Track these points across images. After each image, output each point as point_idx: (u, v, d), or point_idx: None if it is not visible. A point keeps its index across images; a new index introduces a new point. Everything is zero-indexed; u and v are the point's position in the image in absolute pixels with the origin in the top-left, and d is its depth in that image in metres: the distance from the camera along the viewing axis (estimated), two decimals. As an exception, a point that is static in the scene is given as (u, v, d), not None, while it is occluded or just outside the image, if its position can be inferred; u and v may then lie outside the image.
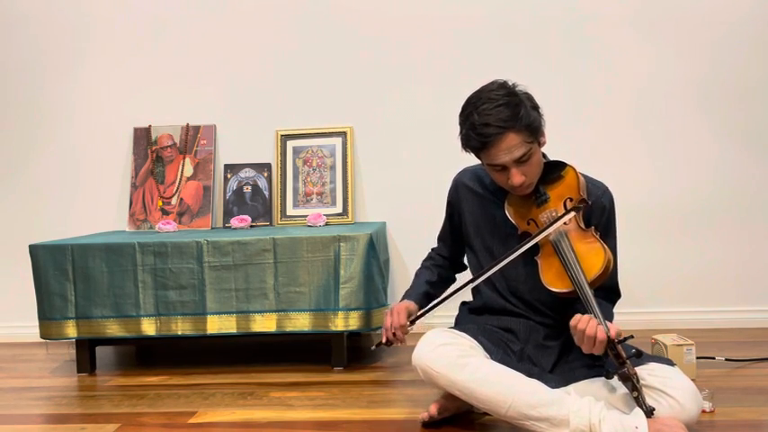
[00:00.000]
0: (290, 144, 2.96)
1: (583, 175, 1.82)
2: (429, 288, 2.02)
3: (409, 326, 1.88)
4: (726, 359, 2.30)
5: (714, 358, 2.30)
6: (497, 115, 1.68)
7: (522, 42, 2.85)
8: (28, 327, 2.79)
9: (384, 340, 1.89)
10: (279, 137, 2.96)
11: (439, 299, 1.94)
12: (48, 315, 2.42)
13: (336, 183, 2.91)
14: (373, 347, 1.96)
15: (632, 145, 2.85)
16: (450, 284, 2.09)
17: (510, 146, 1.69)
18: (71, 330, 2.41)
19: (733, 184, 2.82)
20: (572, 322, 1.62)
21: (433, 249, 2.14)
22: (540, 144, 1.78)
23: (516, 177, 1.72)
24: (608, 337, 1.56)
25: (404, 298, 1.99)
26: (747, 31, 2.79)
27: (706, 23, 2.80)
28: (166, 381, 2.34)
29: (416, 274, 2.08)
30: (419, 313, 1.91)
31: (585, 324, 1.59)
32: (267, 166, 2.97)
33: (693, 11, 2.80)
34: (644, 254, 2.80)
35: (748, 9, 2.78)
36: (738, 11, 2.78)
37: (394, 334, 1.86)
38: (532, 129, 1.71)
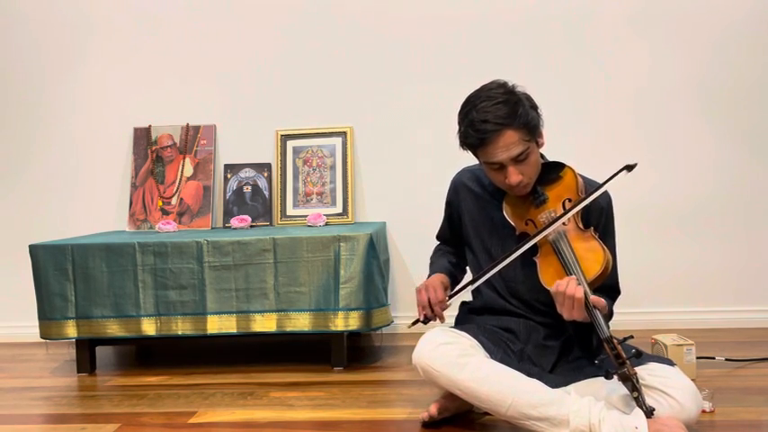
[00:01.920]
0: (290, 144, 2.96)
1: (581, 175, 1.82)
2: (452, 268, 2.00)
3: (448, 300, 1.85)
4: (726, 359, 2.30)
5: (714, 358, 2.30)
6: (496, 112, 1.69)
7: (522, 42, 2.85)
8: (28, 327, 2.79)
9: (422, 318, 1.85)
10: (279, 137, 2.96)
11: (464, 282, 1.90)
12: (48, 315, 2.42)
13: (336, 183, 2.91)
14: (409, 326, 1.89)
15: (632, 145, 2.84)
16: (465, 272, 2.08)
17: (508, 143, 1.69)
18: (71, 330, 2.41)
19: (733, 183, 2.82)
20: (553, 288, 1.65)
21: (438, 245, 2.14)
22: (539, 145, 1.78)
23: (513, 176, 1.72)
24: (608, 337, 1.57)
25: (432, 273, 1.96)
26: (747, 31, 2.79)
27: (706, 23, 2.80)
28: (166, 381, 2.34)
29: (432, 261, 2.06)
30: (456, 289, 1.89)
31: (564, 286, 1.61)
32: (267, 166, 2.97)
33: (693, 10, 2.80)
34: (644, 254, 2.80)
35: (748, 8, 2.78)
36: (738, 10, 2.78)
37: (431, 310, 1.83)
38: (530, 127, 1.72)
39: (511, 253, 1.77)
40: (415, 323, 1.88)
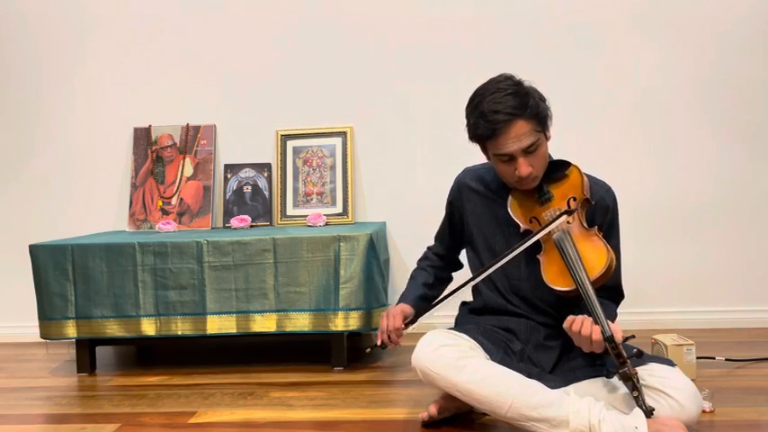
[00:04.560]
0: (290, 144, 2.96)
1: (586, 174, 1.82)
2: (425, 290, 2.03)
3: (404, 329, 1.90)
4: (726, 359, 2.30)
5: (714, 358, 2.30)
6: (506, 103, 1.70)
7: (524, 43, 2.85)
8: (28, 327, 2.79)
9: (379, 342, 1.91)
10: (279, 137, 2.96)
11: (437, 300, 1.94)
12: (48, 315, 2.42)
13: (336, 183, 2.91)
14: (368, 350, 1.97)
15: (635, 145, 2.84)
16: (447, 284, 2.10)
17: (519, 134, 1.70)
18: (71, 330, 2.41)
19: (734, 184, 2.82)
20: (565, 324, 1.64)
21: (428, 248, 2.13)
22: (547, 138, 1.79)
23: (523, 168, 1.72)
24: (609, 336, 1.56)
25: (400, 301, 2.01)
26: (751, 31, 2.78)
27: (710, 23, 2.79)
28: (166, 381, 2.34)
29: (412, 276, 2.09)
30: (414, 316, 1.93)
31: (579, 326, 1.60)
32: (267, 166, 2.97)
33: (697, 11, 2.79)
34: (645, 254, 2.79)
35: (752, 8, 2.78)
36: (742, 10, 2.78)
37: (389, 337, 1.89)
38: (540, 118, 1.73)
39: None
40: (373, 347, 1.94)
